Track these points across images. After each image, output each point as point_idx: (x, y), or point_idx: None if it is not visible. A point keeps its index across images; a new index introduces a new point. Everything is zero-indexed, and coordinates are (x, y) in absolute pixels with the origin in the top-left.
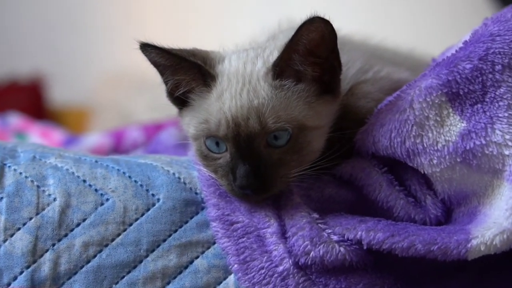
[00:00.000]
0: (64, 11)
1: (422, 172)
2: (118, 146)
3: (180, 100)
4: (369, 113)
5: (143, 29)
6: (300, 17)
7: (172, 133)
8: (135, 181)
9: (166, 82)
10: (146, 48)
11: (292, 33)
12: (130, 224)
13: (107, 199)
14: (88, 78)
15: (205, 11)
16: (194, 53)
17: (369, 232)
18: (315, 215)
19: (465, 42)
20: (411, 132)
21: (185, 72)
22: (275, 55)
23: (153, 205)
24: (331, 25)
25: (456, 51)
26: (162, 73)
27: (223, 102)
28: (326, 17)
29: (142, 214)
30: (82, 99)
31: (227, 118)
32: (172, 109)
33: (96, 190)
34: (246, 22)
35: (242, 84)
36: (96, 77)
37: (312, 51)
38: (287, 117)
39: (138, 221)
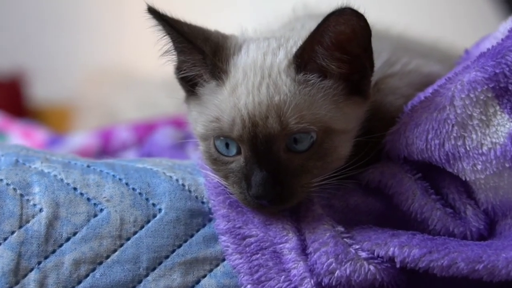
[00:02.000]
0: (45, 3)
1: (463, 179)
2: (106, 147)
3: (187, 83)
4: (398, 111)
5: (131, 21)
6: (316, 3)
7: (167, 134)
8: (133, 189)
9: (176, 56)
10: (152, 15)
11: (317, 21)
12: (128, 239)
13: (101, 210)
14: (72, 74)
15: (197, 3)
16: (208, 36)
17: (403, 248)
18: (340, 228)
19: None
20: (451, 133)
21: (189, 54)
22: (298, 45)
23: (154, 216)
24: (364, 20)
25: (503, 39)
26: (172, 42)
27: (238, 97)
28: (360, 10)
29: (142, 227)
30: (65, 96)
31: (243, 117)
32: (164, 108)
33: (88, 199)
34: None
35: (261, 78)
36: (80, 73)
37: (339, 46)
38: (312, 118)
39: (137, 235)
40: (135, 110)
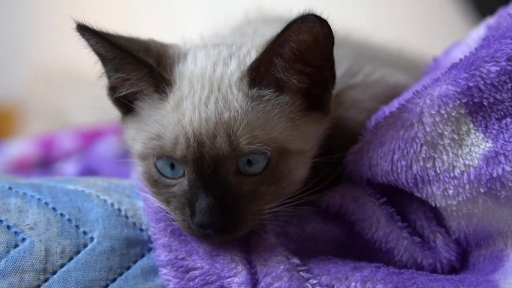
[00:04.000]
0: None
1: (433, 205)
2: (47, 156)
3: (123, 103)
4: (361, 127)
5: (82, 16)
6: (270, 6)
7: (111, 144)
8: (61, 215)
9: (108, 76)
10: (84, 32)
11: (271, 27)
12: (54, 273)
13: (23, 239)
14: (15, 73)
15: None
16: (148, 46)
17: (366, 283)
18: (296, 260)
19: (486, 38)
20: (420, 153)
21: (132, 70)
22: (253, 56)
23: (85, 246)
24: (328, 27)
25: (476, 49)
26: (103, 64)
27: (183, 113)
28: (323, 16)
29: (70, 259)
30: (8, 97)
31: (188, 135)
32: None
33: (8, 227)
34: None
35: (209, 91)
36: (25, 72)
37: (300, 57)
38: (265, 138)
39: (65, 268)
40: (86, 113)
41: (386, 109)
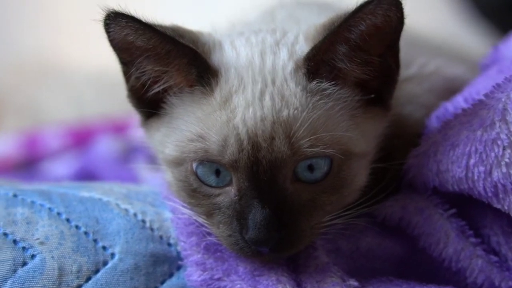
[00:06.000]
0: None
1: None
2: (31, 155)
3: (148, 104)
4: (419, 125)
5: (59, 5)
6: None
7: (111, 144)
8: (77, 227)
9: (131, 74)
10: (118, 20)
11: (310, 11)
12: None
13: (33, 256)
14: None
15: None
16: (180, 33)
17: None
18: (353, 282)
19: None
20: (502, 157)
21: (171, 60)
22: (302, 43)
23: (105, 264)
24: (402, 11)
25: None
26: (130, 60)
27: (233, 110)
28: None
29: (88, 279)
30: None
31: (240, 136)
32: (98, 106)
33: (15, 241)
34: None
35: (262, 85)
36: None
37: (367, 44)
38: (329, 139)
39: None
40: (63, 108)
41: (449, 106)
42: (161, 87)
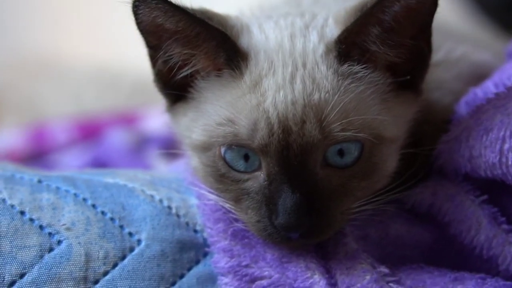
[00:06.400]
0: None
1: None
2: (39, 149)
3: (175, 89)
4: (448, 111)
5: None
6: None
7: (122, 137)
8: (103, 213)
9: (158, 58)
10: (148, 1)
11: None
12: (96, 282)
13: (59, 242)
14: None
15: None
16: (209, 16)
17: None
18: (384, 269)
19: None
20: None
21: (200, 43)
22: (332, 26)
23: (132, 250)
24: None
25: None
26: (157, 44)
27: (263, 93)
28: None
29: (115, 265)
30: None
31: (270, 120)
32: (99, 102)
33: (41, 227)
34: None
35: (293, 68)
36: None
37: (401, 26)
38: (360, 123)
39: (108, 276)
40: (63, 104)
41: (479, 91)
42: (189, 71)
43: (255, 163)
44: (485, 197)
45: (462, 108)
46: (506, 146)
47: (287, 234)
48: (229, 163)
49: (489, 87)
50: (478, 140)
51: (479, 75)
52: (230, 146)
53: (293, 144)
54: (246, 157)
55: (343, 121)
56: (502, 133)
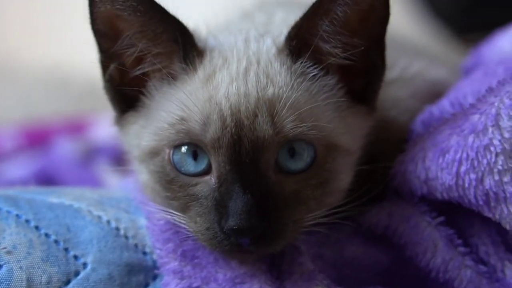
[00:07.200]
0: None
1: (507, 228)
2: None
3: (124, 96)
4: (404, 130)
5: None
6: None
7: (69, 147)
8: (46, 235)
9: (109, 63)
10: None
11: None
12: None
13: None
14: None
15: None
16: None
17: None
18: None
19: None
20: (495, 164)
21: (160, 35)
22: (285, 34)
23: (77, 274)
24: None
25: None
26: (112, 42)
27: (216, 87)
28: None
29: None
30: None
31: (223, 112)
32: (54, 107)
33: None
34: None
35: (247, 63)
36: None
37: (350, 24)
38: (313, 122)
39: None
40: (11, 108)
41: (435, 110)
42: (144, 70)
43: (204, 161)
44: (441, 219)
45: (418, 127)
46: (463, 168)
47: (237, 239)
48: (177, 165)
49: (445, 106)
50: (435, 161)
51: (435, 93)
52: (177, 146)
53: (244, 139)
54: (195, 155)
55: (295, 117)
56: (458, 155)
